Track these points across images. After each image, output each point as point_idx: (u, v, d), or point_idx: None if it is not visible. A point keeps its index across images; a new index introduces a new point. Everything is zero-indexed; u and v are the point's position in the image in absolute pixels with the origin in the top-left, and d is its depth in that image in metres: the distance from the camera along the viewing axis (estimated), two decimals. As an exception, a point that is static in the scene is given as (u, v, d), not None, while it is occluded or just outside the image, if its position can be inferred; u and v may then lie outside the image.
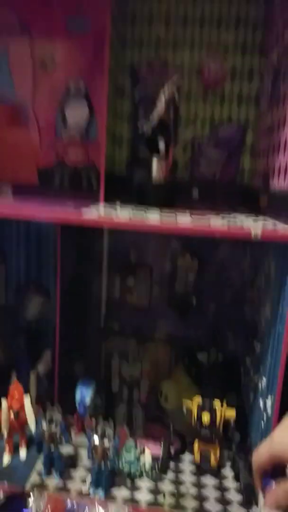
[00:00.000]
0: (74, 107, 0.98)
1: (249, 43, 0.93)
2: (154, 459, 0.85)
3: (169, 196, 0.85)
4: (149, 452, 0.86)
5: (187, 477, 0.84)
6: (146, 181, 0.82)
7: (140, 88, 0.96)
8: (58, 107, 0.99)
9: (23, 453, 0.85)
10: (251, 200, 0.92)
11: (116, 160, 1.02)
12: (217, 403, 0.83)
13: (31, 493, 0.73)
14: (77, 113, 0.98)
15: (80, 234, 1.01)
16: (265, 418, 0.76)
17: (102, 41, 0.77)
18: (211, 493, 0.80)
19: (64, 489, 0.78)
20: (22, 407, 0.83)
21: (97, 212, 0.71)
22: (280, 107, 0.77)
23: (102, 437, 0.76)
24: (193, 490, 0.81)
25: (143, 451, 0.85)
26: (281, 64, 0.78)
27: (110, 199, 0.82)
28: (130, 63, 0.97)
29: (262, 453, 0.68)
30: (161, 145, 0.81)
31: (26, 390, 0.86)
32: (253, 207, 0.88)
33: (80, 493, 0.77)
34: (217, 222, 0.69)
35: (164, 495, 0.79)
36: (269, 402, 0.73)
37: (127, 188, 0.94)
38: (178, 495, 0.79)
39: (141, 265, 1.08)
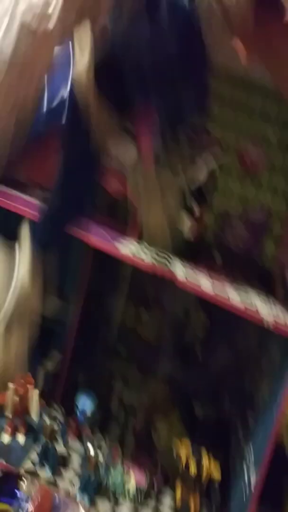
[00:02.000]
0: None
1: None
2: (138, 489, 0.84)
3: (193, 253, 0.90)
4: (134, 479, 0.86)
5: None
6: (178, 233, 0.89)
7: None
8: None
9: (21, 438, 0.86)
10: (267, 281, 0.95)
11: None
12: (205, 457, 0.84)
13: (24, 478, 0.74)
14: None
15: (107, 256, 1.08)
16: (247, 494, 0.77)
17: None
18: None
19: (54, 484, 0.78)
20: (26, 393, 0.85)
21: (130, 249, 0.78)
22: None
23: (96, 449, 0.79)
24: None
25: (128, 474, 0.86)
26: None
27: None
28: None
29: None
30: (196, 208, 0.88)
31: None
32: (268, 290, 0.90)
33: (68, 494, 0.77)
34: (235, 297, 0.74)
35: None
36: (253, 481, 0.75)
37: None
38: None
39: (157, 304, 1.12)
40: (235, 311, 0.70)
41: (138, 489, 0.84)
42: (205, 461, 0.83)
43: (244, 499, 0.77)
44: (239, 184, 1.08)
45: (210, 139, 0.94)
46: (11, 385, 0.85)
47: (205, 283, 0.76)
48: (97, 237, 0.79)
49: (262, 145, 1.06)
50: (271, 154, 1.06)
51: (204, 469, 0.82)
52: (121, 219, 1.03)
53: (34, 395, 0.86)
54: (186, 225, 0.89)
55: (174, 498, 0.85)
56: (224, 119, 1.08)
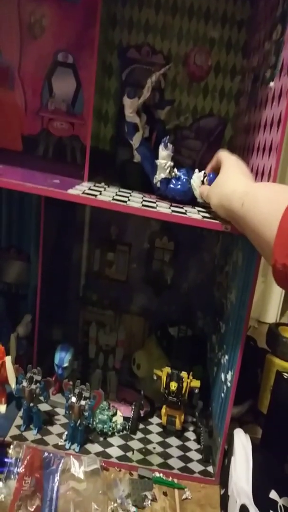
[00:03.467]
0: (61, 78, 0.97)
1: (233, 42, 0.96)
2: (125, 420, 0.89)
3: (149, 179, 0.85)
4: (121, 414, 0.90)
5: (154, 438, 0.89)
6: (129, 160, 0.84)
7: (127, 69, 0.97)
8: (45, 76, 0.97)
9: (2, 408, 0.87)
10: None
11: (101, 136, 1.03)
12: (184, 374, 0.88)
13: (11, 445, 0.75)
14: (64, 85, 0.97)
15: (63, 205, 1.01)
16: (225, 390, 0.82)
17: (92, 16, 0.75)
18: (174, 452, 0.86)
19: (41, 442, 0.81)
20: (3, 365, 0.84)
21: (82, 189, 0.72)
22: (256, 110, 0.80)
23: (79, 397, 0.79)
24: (159, 449, 0.86)
25: (115, 413, 0.90)
26: (260, 69, 0.81)
27: (92, 173, 0.82)
28: (118, 44, 0.98)
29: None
30: (143, 129, 0.81)
31: (7, 351, 0.88)
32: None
33: (57, 446, 0.80)
34: (192, 210, 0.72)
35: (133, 452, 0.83)
36: (229, 377, 0.79)
37: (109, 163, 0.95)
38: (145, 452, 0.84)
39: (121, 241, 1.11)
40: (196, 224, 0.68)
41: (125, 420, 0.89)
42: (184, 377, 0.88)
43: (223, 396, 0.83)
44: (186, 94, 1.00)
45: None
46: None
47: (162, 205, 0.73)
48: (44, 183, 0.73)
49: (205, 45, 0.97)
50: (215, 55, 0.97)
51: (184, 384, 0.87)
52: (71, 161, 1.00)
53: (7, 363, 0.84)
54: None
55: (160, 418, 0.91)
56: (163, 26, 0.97)
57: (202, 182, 0.75)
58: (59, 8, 0.94)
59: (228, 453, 0.79)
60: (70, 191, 0.69)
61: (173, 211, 0.70)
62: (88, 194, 0.70)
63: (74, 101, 0.99)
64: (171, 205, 0.75)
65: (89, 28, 0.92)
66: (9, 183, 0.69)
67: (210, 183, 0.73)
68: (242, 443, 0.77)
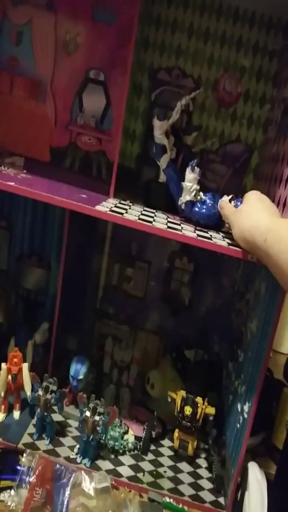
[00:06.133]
0: (91, 95, 1.03)
1: (264, 71, 1.00)
2: (136, 439, 0.92)
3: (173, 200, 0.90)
4: (132, 433, 0.93)
5: (165, 461, 0.92)
6: (154, 179, 0.89)
7: (157, 90, 1.04)
8: (76, 91, 1.04)
9: (16, 414, 0.92)
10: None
11: (127, 153, 1.08)
12: (199, 399, 0.90)
13: (23, 452, 0.79)
14: (94, 101, 1.04)
15: (86, 218, 1.05)
16: (241, 421, 0.84)
17: (126, 37, 0.82)
18: (185, 478, 0.89)
19: (53, 453, 0.85)
20: (19, 371, 0.89)
21: (109, 205, 0.77)
22: (286, 140, 0.82)
23: (93, 412, 0.83)
24: (170, 473, 0.89)
25: (126, 431, 0.93)
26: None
27: (118, 189, 0.88)
28: (150, 65, 1.04)
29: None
30: (171, 150, 0.86)
31: (23, 358, 0.92)
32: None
33: (68, 459, 0.84)
34: (218, 236, 0.76)
35: (143, 473, 0.86)
36: (246, 408, 0.81)
37: (134, 180, 1.00)
38: (156, 475, 0.87)
39: (141, 258, 1.15)
40: (220, 250, 0.72)
41: (136, 439, 0.92)
42: (199, 402, 0.90)
43: (238, 427, 0.84)
44: (214, 119, 1.05)
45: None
46: (3, 365, 0.88)
47: (187, 228, 0.78)
48: (71, 197, 0.78)
49: (236, 73, 1.02)
50: (245, 83, 1.02)
51: (199, 410, 0.89)
52: (96, 175, 1.05)
53: (24, 370, 0.89)
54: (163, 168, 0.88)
55: (172, 442, 0.93)
56: (194, 51, 1.03)
57: None
58: (94, 27, 1.01)
59: (241, 486, 0.80)
60: (98, 207, 0.75)
61: (198, 235, 0.74)
62: (115, 211, 0.75)
63: (102, 118, 1.05)
64: (195, 229, 0.79)
65: (122, 48, 0.99)
66: (40, 195, 0.75)
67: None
68: (257, 478, 0.78)
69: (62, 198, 0.75)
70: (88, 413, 0.83)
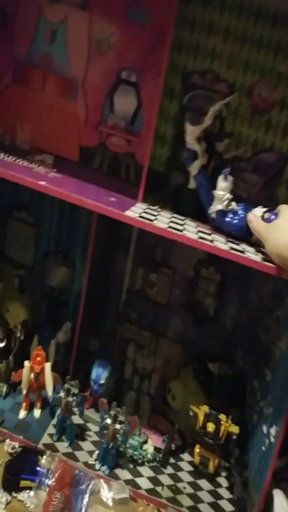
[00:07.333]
0: (123, 96, 1.04)
1: None
2: (156, 450, 0.93)
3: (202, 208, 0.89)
4: (152, 443, 0.94)
5: (185, 476, 0.92)
6: (183, 185, 0.89)
7: (189, 94, 1.02)
8: (107, 91, 1.04)
9: (37, 413, 0.94)
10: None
11: (156, 156, 1.07)
12: (222, 416, 0.89)
13: (43, 453, 0.81)
14: (125, 102, 1.04)
15: (113, 221, 1.06)
16: (267, 444, 0.83)
17: (160, 39, 0.82)
18: (205, 497, 0.88)
19: (72, 456, 0.87)
20: (42, 370, 0.91)
21: (138, 211, 0.78)
22: None
23: (114, 420, 0.84)
24: (189, 489, 0.88)
25: (146, 441, 0.94)
26: None
27: (146, 193, 0.88)
28: (183, 68, 1.03)
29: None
30: (202, 157, 0.86)
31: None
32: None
33: (87, 464, 0.85)
34: (250, 249, 0.75)
35: (162, 487, 0.86)
36: (273, 431, 0.80)
37: (162, 184, 0.99)
38: (175, 491, 0.87)
39: (166, 264, 1.15)
40: (254, 265, 0.72)
41: (156, 452, 0.92)
42: (223, 419, 0.89)
43: (264, 450, 0.83)
44: (248, 125, 1.04)
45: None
46: (26, 363, 0.90)
47: (218, 239, 0.77)
48: (100, 200, 0.79)
49: (273, 79, 1.00)
50: (283, 89, 1.00)
51: (222, 427, 0.88)
52: (125, 178, 1.06)
53: (46, 370, 0.91)
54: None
55: (192, 457, 0.93)
56: (230, 55, 1.01)
57: (262, 218, 0.78)
58: (127, 27, 1.01)
59: None
60: (128, 213, 0.76)
61: (231, 248, 0.74)
62: (144, 218, 0.76)
63: (133, 119, 1.05)
64: (227, 240, 0.78)
65: (155, 50, 0.99)
66: (71, 197, 0.76)
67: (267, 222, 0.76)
68: (283, 508, 0.78)
69: (92, 200, 0.76)
70: (109, 421, 0.84)
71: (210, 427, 0.87)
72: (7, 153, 0.96)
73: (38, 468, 0.78)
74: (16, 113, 1.08)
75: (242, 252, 0.74)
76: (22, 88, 1.08)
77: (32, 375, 0.91)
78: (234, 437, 0.89)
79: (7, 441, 0.88)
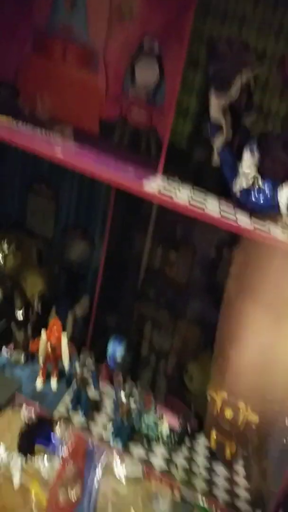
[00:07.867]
0: (144, 67, 1.00)
1: None
2: (171, 430, 0.92)
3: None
4: (167, 423, 0.94)
5: (200, 460, 0.91)
6: (206, 162, 0.86)
7: (216, 64, 0.98)
8: (129, 62, 1.00)
9: (54, 383, 0.96)
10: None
11: (178, 131, 1.05)
12: (241, 404, 0.88)
13: (58, 422, 0.82)
14: (147, 73, 1.00)
15: (132, 196, 1.05)
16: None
17: (185, 4, 0.78)
18: (221, 482, 0.88)
19: (87, 429, 0.87)
20: (59, 341, 0.93)
21: (158, 187, 0.76)
22: None
23: (128, 396, 0.85)
24: (204, 474, 0.88)
25: (161, 418, 0.94)
26: None
27: (166, 169, 0.85)
28: (209, 35, 0.98)
29: None
30: (227, 132, 0.83)
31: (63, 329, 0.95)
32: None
33: (101, 437, 0.86)
34: (277, 230, 0.72)
35: (177, 468, 0.86)
36: None
37: (183, 160, 0.96)
38: (190, 473, 0.87)
39: (186, 242, 1.13)
40: (278, 245, 0.69)
41: (171, 432, 0.92)
42: (241, 407, 0.87)
43: (285, 442, 0.82)
44: (278, 99, 0.99)
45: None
46: (43, 333, 0.91)
47: (242, 218, 0.75)
48: (119, 174, 0.78)
49: None
50: None
51: (241, 415, 0.87)
52: (145, 152, 1.03)
53: (63, 341, 0.92)
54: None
55: (209, 441, 0.93)
56: (260, 21, 0.95)
57: None
58: (150, -4, 0.98)
59: (283, 507, 0.78)
60: (147, 187, 0.74)
61: (255, 228, 0.71)
62: (164, 194, 0.73)
63: (155, 92, 1.02)
64: (250, 217, 0.76)
65: (179, 17, 0.94)
66: (87, 170, 0.75)
67: None
68: None
69: (110, 173, 0.75)
70: (123, 397, 0.85)
71: (228, 414, 0.86)
72: (27, 123, 0.95)
73: (52, 437, 0.80)
74: (36, 84, 1.06)
75: (268, 232, 0.71)
76: (42, 58, 1.06)
77: (49, 346, 0.92)
78: (253, 426, 0.88)
79: (24, 408, 0.90)
